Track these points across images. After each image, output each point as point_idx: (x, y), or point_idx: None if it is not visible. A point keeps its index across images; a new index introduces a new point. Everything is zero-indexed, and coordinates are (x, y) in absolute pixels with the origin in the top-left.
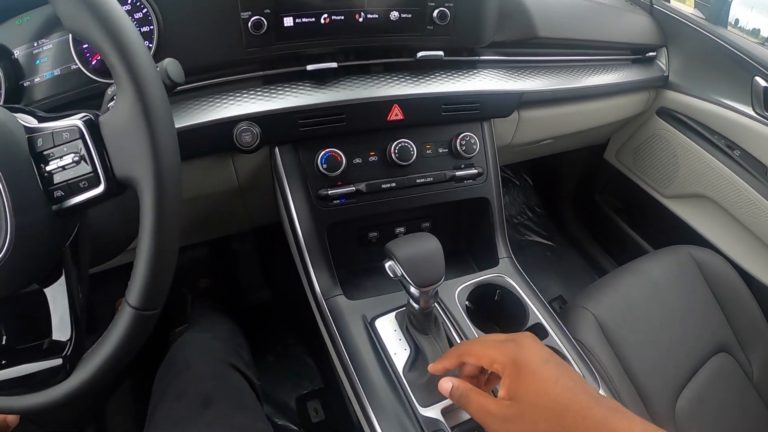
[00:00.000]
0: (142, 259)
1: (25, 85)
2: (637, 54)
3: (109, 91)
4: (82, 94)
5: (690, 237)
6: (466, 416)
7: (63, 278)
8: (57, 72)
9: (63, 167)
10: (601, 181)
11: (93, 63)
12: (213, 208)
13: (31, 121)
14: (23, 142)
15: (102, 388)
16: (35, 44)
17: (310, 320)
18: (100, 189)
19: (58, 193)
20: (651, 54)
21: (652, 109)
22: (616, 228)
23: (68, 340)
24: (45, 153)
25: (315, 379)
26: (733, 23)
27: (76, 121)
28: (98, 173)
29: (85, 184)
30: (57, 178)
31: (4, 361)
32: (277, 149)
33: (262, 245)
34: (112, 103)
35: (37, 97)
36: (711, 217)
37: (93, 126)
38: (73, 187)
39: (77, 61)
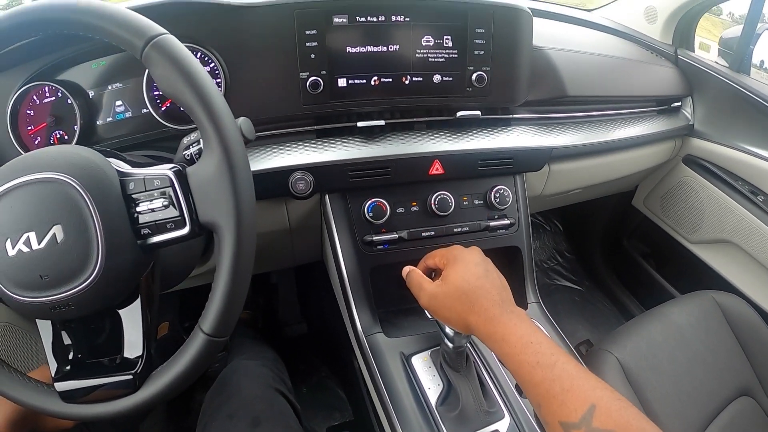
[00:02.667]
0: (218, 293)
1: (98, 123)
2: (663, 105)
3: (185, 140)
4: (150, 136)
5: (715, 281)
6: None
7: (137, 302)
8: (128, 114)
9: (152, 209)
10: (630, 226)
11: (163, 109)
12: (261, 246)
13: (123, 166)
14: (117, 184)
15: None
16: (109, 87)
17: (344, 354)
18: (185, 230)
19: (144, 231)
20: (676, 104)
21: (678, 157)
22: (644, 273)
23: (139, 358)
24: (135, 195)
25: (346, 412)
26: (758, 65)
27: (166, 170)
28: (184, 217)
29: (171, 225)
30: (145, 218)
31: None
32: (327, 197)
33: (300, 281)
34: (187, 151)
35: (108, 135)
36: (736, 262)
37: (182, 176)
38: (159, 227)
39: (149, 107)
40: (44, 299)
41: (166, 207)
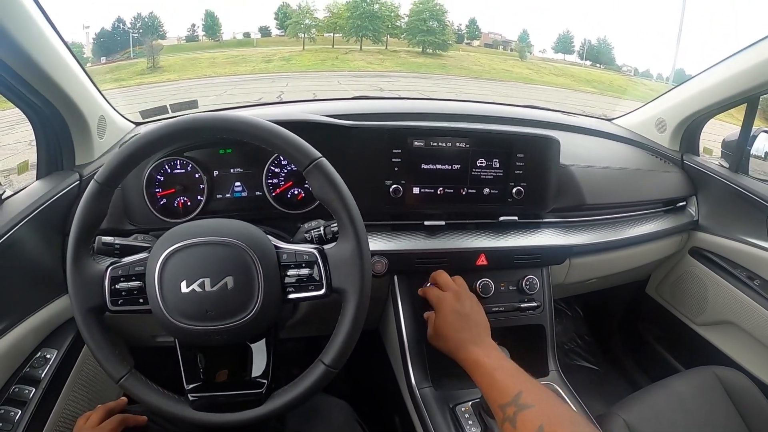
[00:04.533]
0: (341, 336)
1: (217, 197)
2: (670, 205)
3: (306, 225)
4: (257, 214)
5: (718, 358)
6: None
7: (265, 340)
8: (244, 194)
9: (299, 275)
10: (643, 312)
11: (274, 194)
12: (325, 311)
13: (275, 241)
14: (274, 254)
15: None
16: (231, 170)
17: (389, 411)
18: (321, 292)
19: (289, 289)
20: (682, 204)
21: (685, 249)
22: (656, 353)
23: (265, 380)
24: (286, 263)
25: None
26: (763, 157)
27: (312, 249)
28: (322, 282)
29: (312, 287)
30: (292, 280)
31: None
32: (396, 277)
33: None
34: (307, 234)
35: (223, 208)
36: (736, 340)
37: (322, 253)
38: (302, 287)
39: (265, 191)
40: (203, 327)
41: (310, 274)
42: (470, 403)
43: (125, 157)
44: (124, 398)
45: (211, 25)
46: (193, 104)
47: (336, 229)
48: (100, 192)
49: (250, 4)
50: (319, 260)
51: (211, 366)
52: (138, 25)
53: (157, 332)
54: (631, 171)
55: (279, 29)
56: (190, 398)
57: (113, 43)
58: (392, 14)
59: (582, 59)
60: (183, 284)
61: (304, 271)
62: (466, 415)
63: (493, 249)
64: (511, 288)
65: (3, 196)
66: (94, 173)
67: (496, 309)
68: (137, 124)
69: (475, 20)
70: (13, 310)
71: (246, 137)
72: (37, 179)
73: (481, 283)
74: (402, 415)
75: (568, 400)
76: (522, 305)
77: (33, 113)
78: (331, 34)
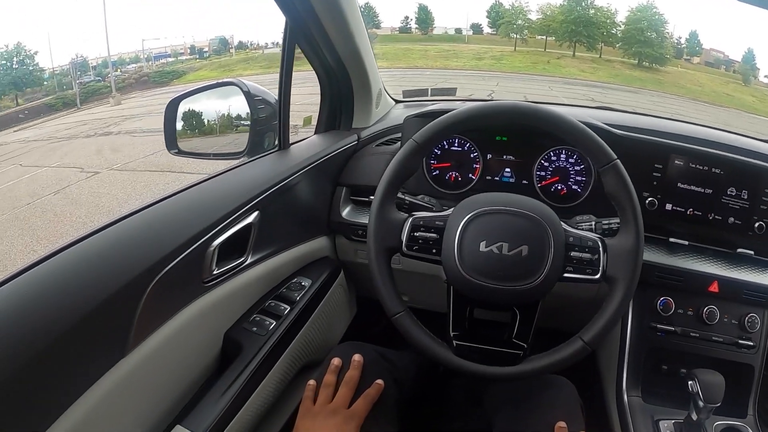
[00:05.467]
0: (604, 319)
1: (487, 178)
2: None
3: (578, 218)
4: None
5: None
6: None
7: (532, 309)
8: (512, 180)
9: (581, 258)
10: None
11: (540, 185)
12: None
13: (565, 226)
14: (563, 234)
15: None
16: (504, 157)
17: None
18: (597, 276)
19: (568, 268)
20: None
21: None
22: None
23: (524, 343)
24: (571, 245)
25: None
26: None
27: (597, 237)
28: (599, 268)
29: (589, 271)
30: (574, 261)
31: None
32: None
33: None
34: (584, 224)
35: (491, 189)
36: None
37: (604, 243)
38: (580, 269)
39: (534, 181)
40: (490, 285)
41: (591, 259)
42: (673, 422)
43: (445, 125)
44: (380, 382)
45: (424, 18)
46: (452, 92)
47: (607, 226)
48: (416, 151)
49: (464, 0)
50: (601, 248)
51: (475, 322)
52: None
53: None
54: None
55: (491, 27)
56: (454, 344)
57: None
58: (608, 21)
59: None
60: (482, 244)
61: (586, 255)
62: (668, 431)
63: (727, 279)
64: (733, 321)
65: (291, 142)
66: (370, 137)
67: (716, 338)
68: (397, 101)
69: (696, 34)
70: (283, 238)
71: (553, 128)
72: (315, 134)
73: (708, 309)
74: (599, 421)
75: None
76: (740, 341)
77: (326, 76)
78: (544, 37)
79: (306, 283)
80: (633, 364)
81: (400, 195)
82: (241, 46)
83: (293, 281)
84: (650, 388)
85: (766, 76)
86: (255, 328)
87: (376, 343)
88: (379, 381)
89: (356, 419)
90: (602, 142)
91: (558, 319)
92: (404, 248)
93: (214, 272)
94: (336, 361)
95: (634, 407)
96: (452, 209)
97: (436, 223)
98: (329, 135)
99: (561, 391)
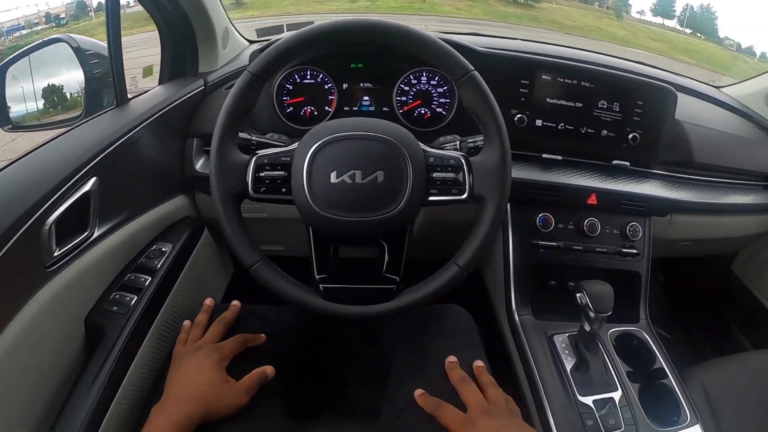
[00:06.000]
0: (476, 240)
1: (345, 109)
2: None
3: (441, 139)
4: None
5: None
6: (611, 409)
7: (400, 239)
8: (371, 109)
9: (444, 178)
10: (726, 289)
11: (402, 111)
12: (440, 233)
13: (424, 146)
14: (423, 155)
15: None
16: (361, 84)
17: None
18: (463, 196)
19: (432, 190)
20: None
21: None
22: (731, 333)
23: (396, 276)
24: (432, 165)
25: None
26: None
27: (459, 155)
28: (465, 187)
29: (455, 191)
30: (437, 183)
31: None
32: (509, 204)
33: None
34: (447, 145)
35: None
36: None
37: (468, 161)
38: (446, 191)
39: (394, 107)
40: (348, 218)
41: (454, 178)
42: (567, 335)
43: (281, 50)
44: (236, 303)
45: None
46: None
47: (472, 144)
48: (252, 83)
49: None
50: (465, 166)
51: (341, 261)
52: None
53: (261, 239)
54: (738, 138)
55: None
56: (321, 288)
57: None
58: None
59: (682, 26)
60: (333, 175)
61: (449, 175)
62: (563, 345)
63: (604, 190)
64: (615, 232)
65: (129, 97)
66: (218, 80)
67: (599, 249)
68: (251, 42)
69: None
70: (132, 204)
71: (405, 43)
72: (159, 84)
73: (588, 221)
74: (497, 344)
75: (654, 348)
76: (623, 250)
77: (163, 20)
78: None
79: (166, 248)
80: (520, 284)
81: (246, 135)
82: (101, 7)
83: (153, 248)
84: (541, 304)
85: (637, 12)
86: (116, 308)
87: (263, 301)
88: (236, 302)
89: (218, 353)
90: (458, 54)
91: (437, 247)
92: (251, 191)
93: (56, 254)
94: (208, 301)
95: (526, 326)
96: (298, 142)
97: (282, 159)
98: (174, 84)
99: (456, 321)
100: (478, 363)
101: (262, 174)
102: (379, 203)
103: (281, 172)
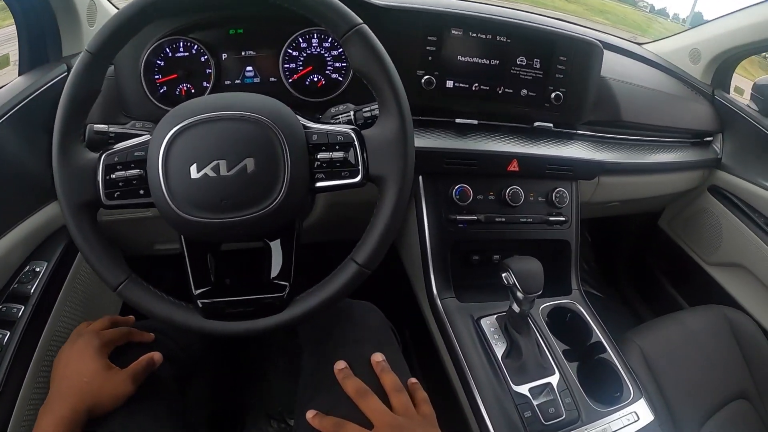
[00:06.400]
0: (376, 231)
1: (226, 83)
2: (697, 138)
3: (333, 110)
4: None
5: (725, 300)
6: (550, 396)
7: (288, 236)
8: (256, 80)
9: (331, 158)
10: (653, 244)
11: (291, 80)
12: (346, 216)
13: (304, 120)
14: (303, 133)
15: None
16: (242, 53)
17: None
18: (357, 179)
19: (319, 175)
20: (708, 138)
21: (704, 186)
22: (661, 287)
23: (286, 282)
24: (316, 145)
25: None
26: None
27: (348, 129)
28: (358, 168)
29: (346, 174)
30: (323, 166)
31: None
32: (420, 177)
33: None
34: (333, 119)
35: None
36: (745, 284)
37: (359, 135)
38: (334, 174)
39: (282, 77)
40: (217, 220)
41: (344, 158)
42: (495, 316)
43: (122, 21)
44: (132, 316)
45: None
46: None
47: (368, 114)
48: (93, 64)
49: None
50: (356, 142)
51: (222, 268)
52: None
53: (155, 239)
54: (664, 95)
55: None
56: (200, 304)
57: None
58: None
59: None
60: (193, 168)
61: (338, 155)
62: (492, 329)
63: (526, 155)
64: (540, 199)
65: None
66: None
67: (524, 220)
68: None
69: None
70: None
71: (283, 1)
72: (19, 75)
73: (510, 190)
74: (419, 329)
75: (589, 320)
76: (550, 218)
77: (14, 1)
78: None
79: (40, 267)
80: (439, 265)
81: (102, 127)
82: None
83: (25, 270)
84: (464, 283)
85: None
86: None
87: None
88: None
89: (98, 340)
90: (341, 5)
91: (346, 229)
92: (103, 198)
93: None
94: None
95: (450, 310)
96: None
97: (136, 154)
98: (35, 72)
99: (365, 320)
100: (377, 358)
101: (113, 176)
102: (253, 198)
103: (137, 171)
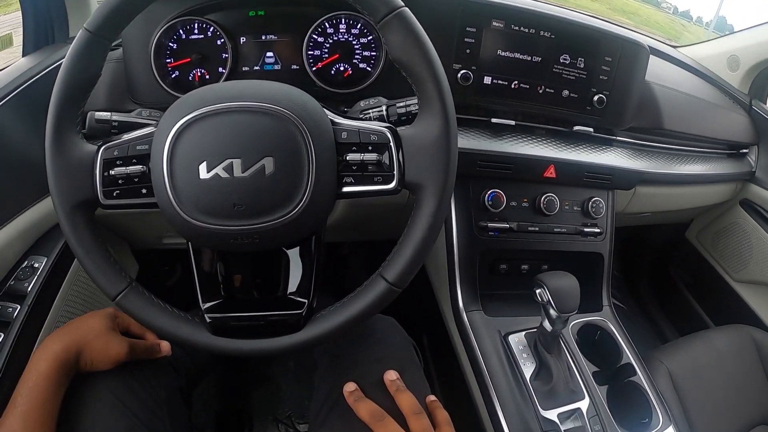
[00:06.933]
0: (410, 246)
1: (243, 70)
2: (732, 149)
3: (363, 104)
4: None
5: (749, 319)
6: (578, 422)
7: (309, 245)
8: (277, 67)
9: (362, 160)
10: (678, 256)
11: (315, 68)
12: (372, 215)
13: (334, 116)
14: (331, 130)
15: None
16: (263, 37)
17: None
18: (391, 186)
19: (347, 179)
20: (744, 150)
21: (736, 199)
22: (684, 301)
23: (305, 299)
24: (345, 144)
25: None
26: None
27: (384, 128)
28: (393, 173)
29: (378, 179)
30: (353, 168)
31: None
32: None
33: (372, 256)
34: (362, 114)
35: None
36: None
37: (396, 134)
38: (366, 178)
39: (306, 64)
40: (229, 228)
41: (378, 161)
42: (524, 333)
43: None
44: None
45: None
46: None
47: (403, 110)
48: (92, 43)
49: None
50: (392, 142)
51: (234, 279)
52: None
53: (164, 232)
54: (703, 102)
55: None
56: (207, 319)
57: None
58: None
59: None
60: (202, 167)
61: (371, 156)
62: (520, 347)
63: (564, 161)
64: (575, 208)
65: None
66: None
67: (558, 230)
68: None
69: None
70: None
71: None
72: (23, 56)
73: (546, 198)
74: (443, 343)
75: (620, 339)
76: (585, 229)
77: None
78: None
79: (39, 263)
80: (467, 276)
81: (105, 115)
82: None
83: (23, 266)
84: (489, 294)
85: None
86: None
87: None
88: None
89: (113, 320)
90: None
91: (369, 229)
92: (101, 197)
93: None
94: None
95: (476, 325)
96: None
97: (138, 148)
98: (40, 53)
99: (386, 337)
100: (391, 376)
101: (113, 172)
102: (271, 204)
103: (139, 167)
